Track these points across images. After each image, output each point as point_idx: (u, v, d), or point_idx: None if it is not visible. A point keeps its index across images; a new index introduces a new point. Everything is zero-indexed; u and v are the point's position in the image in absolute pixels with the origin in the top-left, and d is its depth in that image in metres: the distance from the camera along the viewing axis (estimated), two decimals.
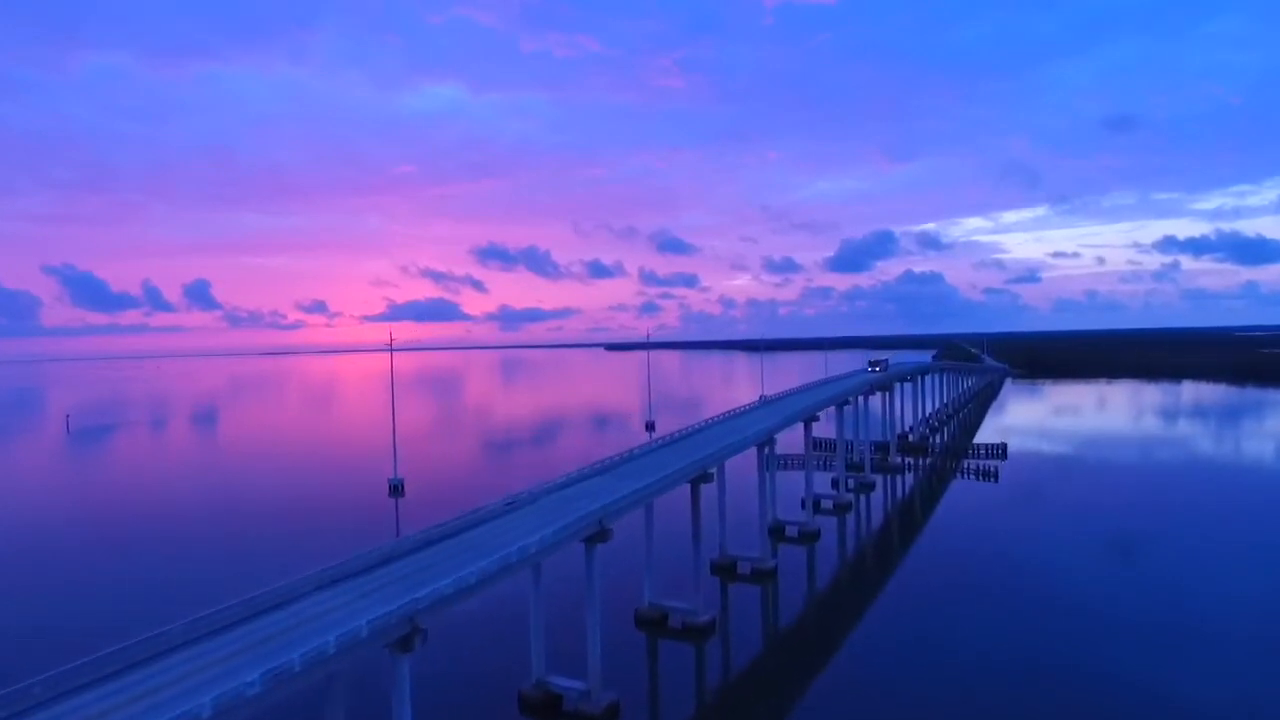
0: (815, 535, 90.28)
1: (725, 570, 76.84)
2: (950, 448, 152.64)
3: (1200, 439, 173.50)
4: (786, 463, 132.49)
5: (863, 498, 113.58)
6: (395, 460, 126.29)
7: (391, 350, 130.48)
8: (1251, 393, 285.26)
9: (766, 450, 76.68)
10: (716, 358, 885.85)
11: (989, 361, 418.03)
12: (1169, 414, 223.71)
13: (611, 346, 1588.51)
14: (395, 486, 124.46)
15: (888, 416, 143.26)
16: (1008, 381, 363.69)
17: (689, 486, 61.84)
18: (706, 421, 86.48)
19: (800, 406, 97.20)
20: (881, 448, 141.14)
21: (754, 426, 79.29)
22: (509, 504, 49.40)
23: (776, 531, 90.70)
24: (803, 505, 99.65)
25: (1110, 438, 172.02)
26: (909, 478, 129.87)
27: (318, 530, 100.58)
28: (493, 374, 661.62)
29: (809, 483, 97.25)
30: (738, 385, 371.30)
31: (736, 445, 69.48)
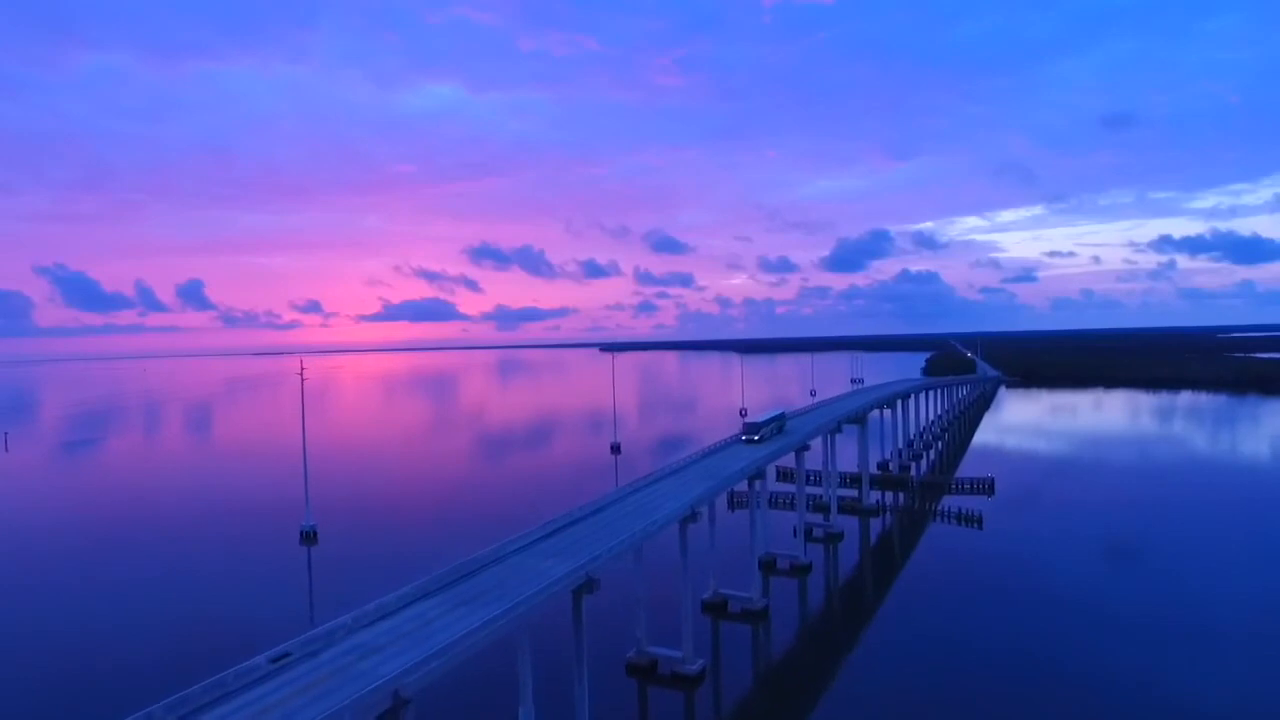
0: (763, 614, 76.43)
1: (643, 672, 63.10)
2: (932, 483, 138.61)
3: (1211, 461, 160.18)
4: (741, 499, 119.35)
5: (830, 550, 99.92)
6: (308, 503, 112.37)
7: (302, 374, 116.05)
8: (1255, 404, 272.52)
9: (691, 524, 62.85)
10: (713, 359, 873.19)
11: (982, 367, 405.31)
12: (1171, 431, 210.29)
13: (606, 347, 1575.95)
14: (307, 534, 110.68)
15: (863, 444, 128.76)
16: (1002, 389, 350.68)
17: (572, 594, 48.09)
18: (620, 490, 71.51)
19: (740, 465, 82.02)
20: (855, 480, 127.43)
21: (673, 501, 64.37)
22: (278, 659, 35.61)
23: (717, 608, 76.99)
24: (758, 565, 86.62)
25: (1109, 462, 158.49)
26: (884, 521, 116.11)
27: (195, 596, 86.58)
28: (477, 378, 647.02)
29: (755, 539, 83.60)
30: (722, 394, 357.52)
31: (639, 535, 55.38)
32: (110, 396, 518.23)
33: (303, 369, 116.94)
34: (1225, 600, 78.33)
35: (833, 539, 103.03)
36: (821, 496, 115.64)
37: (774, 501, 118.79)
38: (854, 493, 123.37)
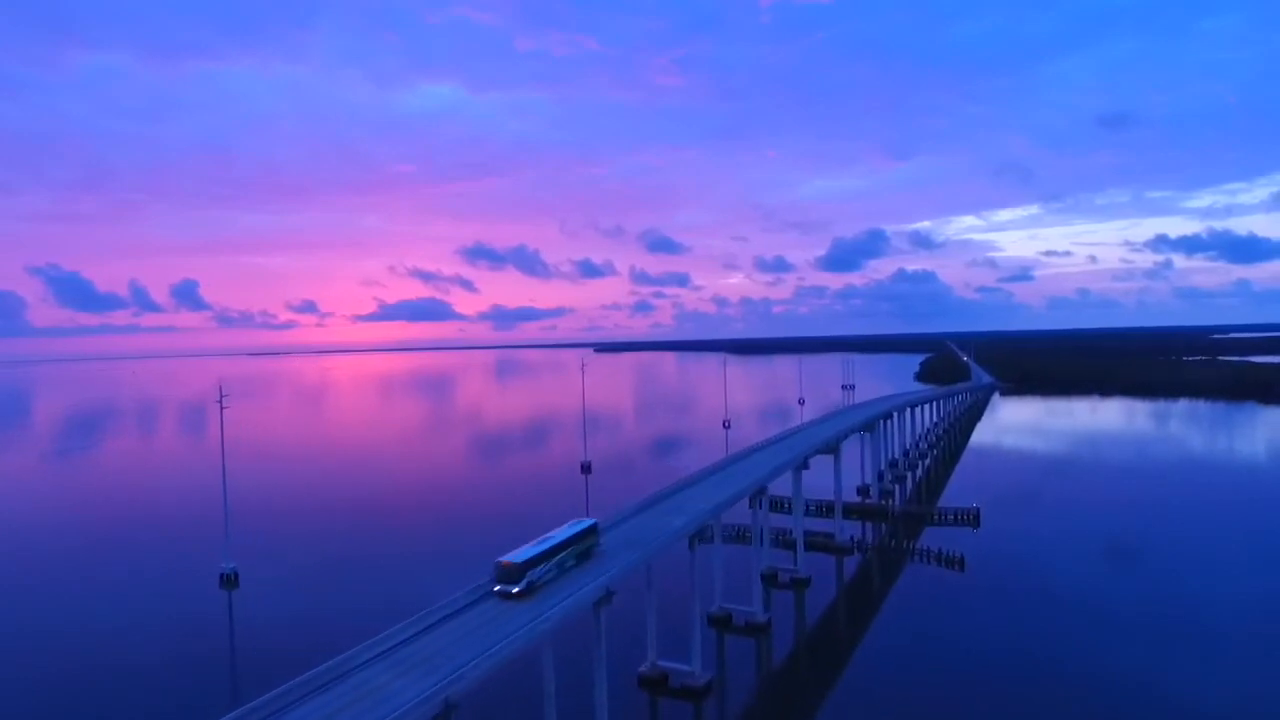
0: (708, 690, 67.01)
1: None
2: (914, 514, 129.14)
3: (1214, 479, 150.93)
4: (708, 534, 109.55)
5: (797, 599, 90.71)
6: (227, 543, 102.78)
7: (222, 403, 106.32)
8: (1254, 412, 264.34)
9: (603, 608, 53.36)
10: (708, 360, 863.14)
11: (977, 372, 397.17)
12: (1171, 445, 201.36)
13: (600, 348, 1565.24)
14: (227, 578, 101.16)
15: (838, 474, 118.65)
16: (995, 396, 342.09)
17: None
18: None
19: (639, 551, 62.93)
20: (827, 509, 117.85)
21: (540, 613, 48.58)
22: None
23: (656, 684, 67.64)
24: (708, 624, 77.83)
25: (1104, 484, 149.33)
26: (859, 561, 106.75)
27: (73, 671, 77.12)
28: (462, 381, 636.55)
29: (699, 599, 74.40)
30: (711, 399, 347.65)
31: (522, 638, 45.03)
32: (91, 402, 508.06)
33: (222, 396, 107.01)
34: (1244, 668, 69.27)
35: (799, 585, 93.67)
36: (789, 531, 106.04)
37: (737, 534, 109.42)
38: (829, 523, 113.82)
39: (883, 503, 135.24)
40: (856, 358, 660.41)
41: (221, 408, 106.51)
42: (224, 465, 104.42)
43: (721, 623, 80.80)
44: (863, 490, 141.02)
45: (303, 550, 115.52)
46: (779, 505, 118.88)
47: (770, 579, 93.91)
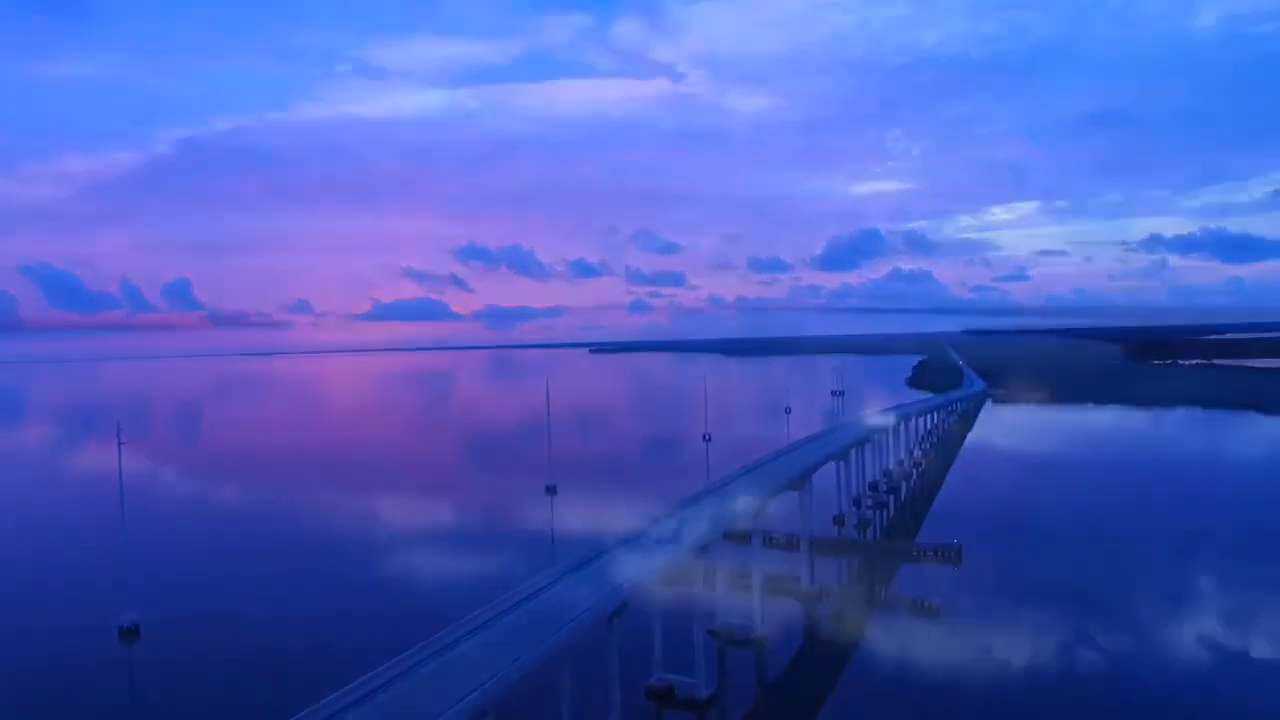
0: None
1: None
2: (891, 549, 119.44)
3: (1232, 511, 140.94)
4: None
5: (756, 663, 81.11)
6: (125, 591, 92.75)
7: (120, 440, 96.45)
8: (1254, 424, 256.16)
9: None
10: (703, 361, 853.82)
11: (969, 376, 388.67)
12: (1173, 465, 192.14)
13: (596, 348, 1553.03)
14: (126, 631, 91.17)
15: (807, 509, 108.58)
16: (988, 403, 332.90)
17: None
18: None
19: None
20: (794, 542, 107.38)
21: None
22: None
23: None
24: (645, 698, 68.30)
25: (1101, 507, 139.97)
26: (827, 610, 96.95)
27: None
28: (448, 384, 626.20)
29: (618, 677, 64.71)
30: (696, 406, 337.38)
31: None
32: (57, 407, 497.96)
33: (120, 434, 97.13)
34: None
35: (755, 645, 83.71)
36: (749, 573, 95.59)
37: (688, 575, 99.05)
38: (796, 558, 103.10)
39: (858, 535, 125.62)
40: (850, 359, 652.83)
41: (119, 443, 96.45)
42: (122, 504, 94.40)
43: (661, 698, 70.98)
44: (838, 519, 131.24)
45: (226, 589, 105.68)
46: (738, 536, 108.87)
47: (726, 636, 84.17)
